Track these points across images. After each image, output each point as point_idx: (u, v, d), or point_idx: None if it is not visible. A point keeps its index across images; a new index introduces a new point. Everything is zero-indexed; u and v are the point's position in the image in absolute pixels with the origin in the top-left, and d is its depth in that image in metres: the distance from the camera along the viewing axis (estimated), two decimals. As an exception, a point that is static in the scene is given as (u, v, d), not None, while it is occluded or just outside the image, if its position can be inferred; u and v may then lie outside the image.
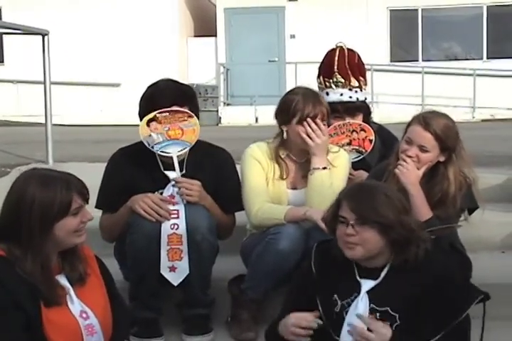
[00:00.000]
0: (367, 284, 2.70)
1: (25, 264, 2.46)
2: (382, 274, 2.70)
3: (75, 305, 2.56)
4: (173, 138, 3.41)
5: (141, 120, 3.50)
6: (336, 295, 2.74)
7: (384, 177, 3.46)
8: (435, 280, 2.63)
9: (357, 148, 4.04)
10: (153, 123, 3.39)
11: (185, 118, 3.42)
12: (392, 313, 2.65)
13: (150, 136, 3.39)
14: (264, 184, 3.56)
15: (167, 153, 3.41)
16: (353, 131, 4.04)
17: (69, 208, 2.52)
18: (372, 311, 2.65)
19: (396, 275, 2.69)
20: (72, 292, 2.57)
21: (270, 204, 3.51)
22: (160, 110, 3.38)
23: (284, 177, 3.57)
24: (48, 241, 2.51)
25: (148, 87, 3.55)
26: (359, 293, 2.69)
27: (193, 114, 3.44)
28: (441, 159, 3.39)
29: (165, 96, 3.42)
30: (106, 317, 2.65)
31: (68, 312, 2.54)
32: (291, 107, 3.53)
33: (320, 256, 2.84)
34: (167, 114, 3.39)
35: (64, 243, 2.56)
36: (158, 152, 3.41)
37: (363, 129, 4.04)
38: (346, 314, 2.69)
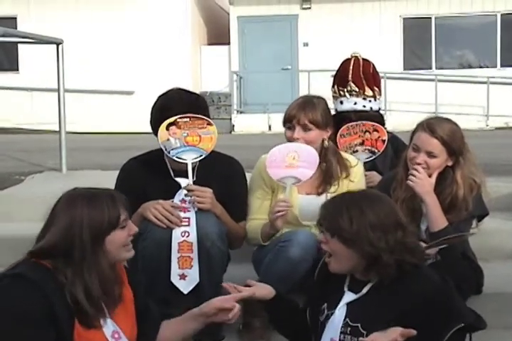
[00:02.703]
0: (348, 296, 2.66)
1: (74, 284, 2.44)
2: (365, 289, 2.64)
3: (108, 325, 2.54)
4: (191, 144, 3.42)
5: (152, 130, 3.52)
6: (325, 305, 2.72)
7: (392, 186, 3.48)
8: (412, 308, 2.52)
9: (369, 148, 4.05)
10: (173, 128, 3.40)
11: (205, 125, 3.43)
12: (362, 330, 2.58)
13: (168, 140, 3.41)
14: (262, 200, 3.61)
15: (182, 159, 3.42)
16: (366, 131, 4.05)
17: (118, 221, 2.53)
18: (345, 325, 2.62)
19: (377, 293, 2.62)
20: (106, 312, 2.55)
21: (257, 222, 3.56)
22: (181, 115, 3.40)
23: None
24: (101, 257, 2.50)
25: (160, 97, 3.57)
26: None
27: (212, 122, 3.46)
28: (449, 163, 3.41)
29: (179, 107, 3.43)
30: (133, 336, 2.64)
31: (101, 333, 2.51)
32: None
33: (325, 264, 2.83)
34: (187, 119, 3.40)
35: (115, 258, 2.56)
36: (174, 157, 3.42)
37: (376, 130, 4.05)
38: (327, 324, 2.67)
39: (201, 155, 3.44)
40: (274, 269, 3.36)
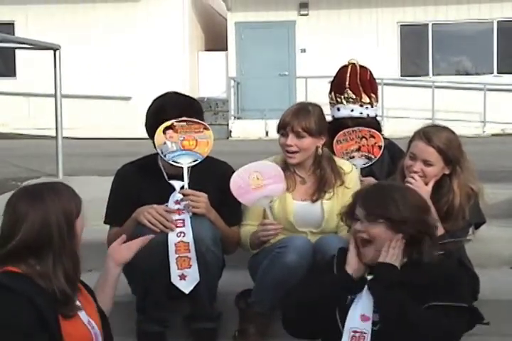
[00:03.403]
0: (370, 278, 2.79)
1: (55, 272, 2.48)
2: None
3: (83, 315, 2.58)
4: (187, 148, 3.42)
5: (147, 133, 3.53)
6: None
7: None
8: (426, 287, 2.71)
9: (366, 154, 4.05)
10: (170, 132, 3.40)
11: (201, 129, 3.44)
12: None
13: (164, 143, 3.41)
14: (255, 208, 3.60)
15: (178, 163, 3.42)
16: (363, 137, 4.05)
17: (81, 205, 2.61)
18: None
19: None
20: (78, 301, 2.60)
21: (249, 228, 3.58)
22: (178, 119, 3.41)
23: (291, 189, 3.59)
24: (74, 241, 2.57)
25: (155, 100, 3.58)
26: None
27: (209, 127, 3.46)
28: (446, 172, 3.43)
29: (174, 109, 3.45)
30: (100, 326, 2.66)
31: (81, 321, 2.56)
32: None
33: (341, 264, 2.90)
34: (184, 123, 3.41)
35: (79, 242, 2.62)
36: (170, 161, 3.42)
37: (372, 136, 4.05)
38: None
39: (197, 160, 3.44)
40: (271, 275, 3.36)
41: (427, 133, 3.42)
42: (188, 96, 3.64)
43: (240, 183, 3.44)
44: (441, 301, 2.68)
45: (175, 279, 3.33)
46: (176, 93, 3.62)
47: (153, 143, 3.46)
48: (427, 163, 3.39)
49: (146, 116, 3.57)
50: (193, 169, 3.47)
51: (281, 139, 3.62)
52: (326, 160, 3.63)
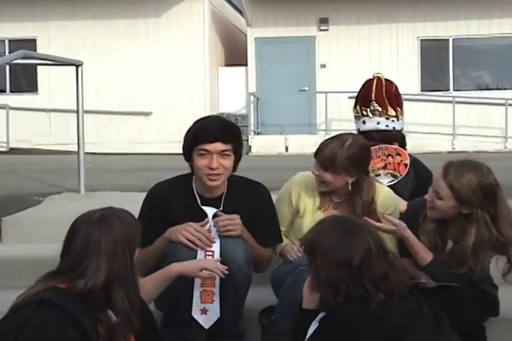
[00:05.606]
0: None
1: (124, 300, 2.53)
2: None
3: None
4: None
5: (184, 154, 3.52)
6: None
7: (422, 213, 3.34)
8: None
9: (392, 172, 4.03)
10: None
11: None
12: None
13: None
14: (285, 215, 3.67)
15: None
16: (389, 155, 4.04)
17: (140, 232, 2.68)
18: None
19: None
20: None
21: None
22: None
23: (323, 209, 3.60)
24: (135, 269, 2.64)
25: (195, 122, 3.54)
26: None
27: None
28: (464, 211, 3.20)
29: (210, 132, 3.42)
30: None
31: None
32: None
33: None
34: None
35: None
36: None
37: (398, 153, 4.04)
38: None
39: None
40: (294, 292, 3.32)
41: (449, 166, 3.22)
42: (227, 121, 3.61)
43: None
44: None
45: (196, 312, 3.33)
46: (215, 117, 3.60)
47: (191, 166, 3.47)
48: (437, 195, 3.21)
49: (184, 137, 3.54)
50: (226, 191, 3.49)
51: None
52: (361, 197, 3.58)
